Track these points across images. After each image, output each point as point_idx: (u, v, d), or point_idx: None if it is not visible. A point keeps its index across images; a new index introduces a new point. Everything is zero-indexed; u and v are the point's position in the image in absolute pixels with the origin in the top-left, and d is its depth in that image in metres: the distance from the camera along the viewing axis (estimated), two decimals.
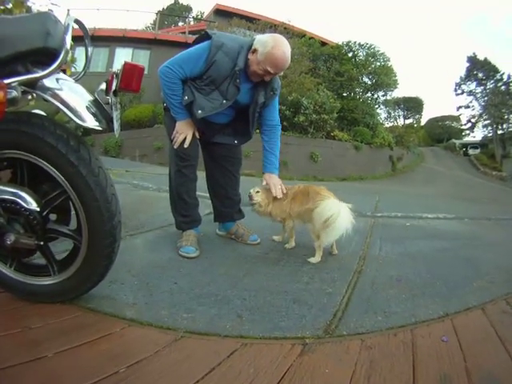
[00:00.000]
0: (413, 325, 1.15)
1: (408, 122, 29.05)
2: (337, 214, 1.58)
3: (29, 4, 2.32)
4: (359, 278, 1.53)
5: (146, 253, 1.69)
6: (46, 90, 0.96)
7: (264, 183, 1.82)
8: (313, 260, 1.69)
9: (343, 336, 1.07)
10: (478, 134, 32.79)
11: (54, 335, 0.96)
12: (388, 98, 15.72)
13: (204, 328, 1.06)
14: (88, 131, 1.18)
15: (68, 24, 0.95)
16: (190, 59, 1.60)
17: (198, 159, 1.80)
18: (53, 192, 1.05)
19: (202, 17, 23.03)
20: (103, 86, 1.06)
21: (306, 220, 1.79)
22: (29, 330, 0.97)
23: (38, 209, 1.02)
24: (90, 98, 1.04)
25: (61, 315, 1.05)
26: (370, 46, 13.83)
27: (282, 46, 1.57)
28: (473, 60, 29.32)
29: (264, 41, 1.58)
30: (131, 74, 1.03)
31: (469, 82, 30.09)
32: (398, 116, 29.33)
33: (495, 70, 28.08)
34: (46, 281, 1.10)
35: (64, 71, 1.09)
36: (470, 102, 30.68)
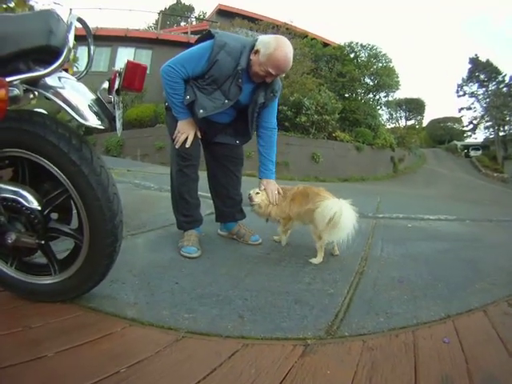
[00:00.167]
0: (414, 326, 1.15)
1: (410, 123, 28.94)
2: (339, 212, 1.57)
3: (31, 3, 2.33)
4: (361, 279, 1.53)
5: (148, 252, 1.69)
6: (48, 88, 0.96)
7: (262, 188, 1.84)
8: (314, 261, 1.69)
9: (345, 337, 1.07)
10: (479, 136, 32.96)
11: (55, 334, 0.95)
12: (390, 99, 15.68)
13: (205, 328, 1.06)
14: (90, 130, 1.18)
15: (71, 22, 0.95)
16: (193, 58, 1.59)
17: (199, 159, 1.79)
18: (54, 191, 1.04)
19: (204, 17, 23.03)
20: (106, 85, 1.06)
21: (306, 221, 1.79)
22: (29, 329, 0.97)
23: (40, 208, 1.02)
24: (93, 96, 1.04)
25: (61, 314, 1.05)
26: (372, 46, 13.81)
27: (284, 48, 1.56)
28: (475, 61, 29.31)
29: (266, 42, 1.57)
30: (134, 72, 1.03)
31: (471, 84, 30.12)
32: (400, 117, 29.23)
33: (497, 72, 28.08)
34: (47, 280, 1.09)
35: (66, 70, 1.09)
36: (472, 103, 30.79)
